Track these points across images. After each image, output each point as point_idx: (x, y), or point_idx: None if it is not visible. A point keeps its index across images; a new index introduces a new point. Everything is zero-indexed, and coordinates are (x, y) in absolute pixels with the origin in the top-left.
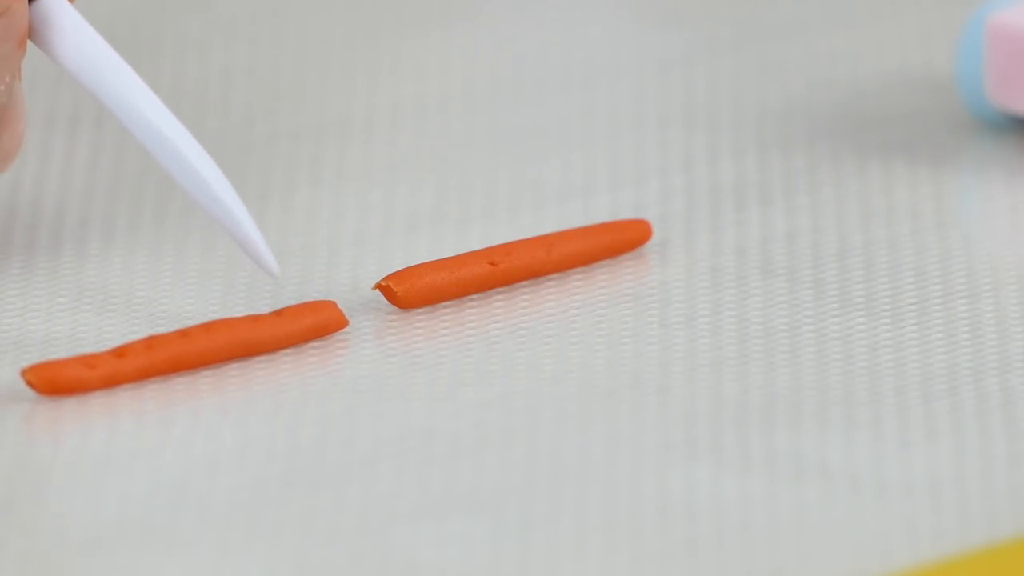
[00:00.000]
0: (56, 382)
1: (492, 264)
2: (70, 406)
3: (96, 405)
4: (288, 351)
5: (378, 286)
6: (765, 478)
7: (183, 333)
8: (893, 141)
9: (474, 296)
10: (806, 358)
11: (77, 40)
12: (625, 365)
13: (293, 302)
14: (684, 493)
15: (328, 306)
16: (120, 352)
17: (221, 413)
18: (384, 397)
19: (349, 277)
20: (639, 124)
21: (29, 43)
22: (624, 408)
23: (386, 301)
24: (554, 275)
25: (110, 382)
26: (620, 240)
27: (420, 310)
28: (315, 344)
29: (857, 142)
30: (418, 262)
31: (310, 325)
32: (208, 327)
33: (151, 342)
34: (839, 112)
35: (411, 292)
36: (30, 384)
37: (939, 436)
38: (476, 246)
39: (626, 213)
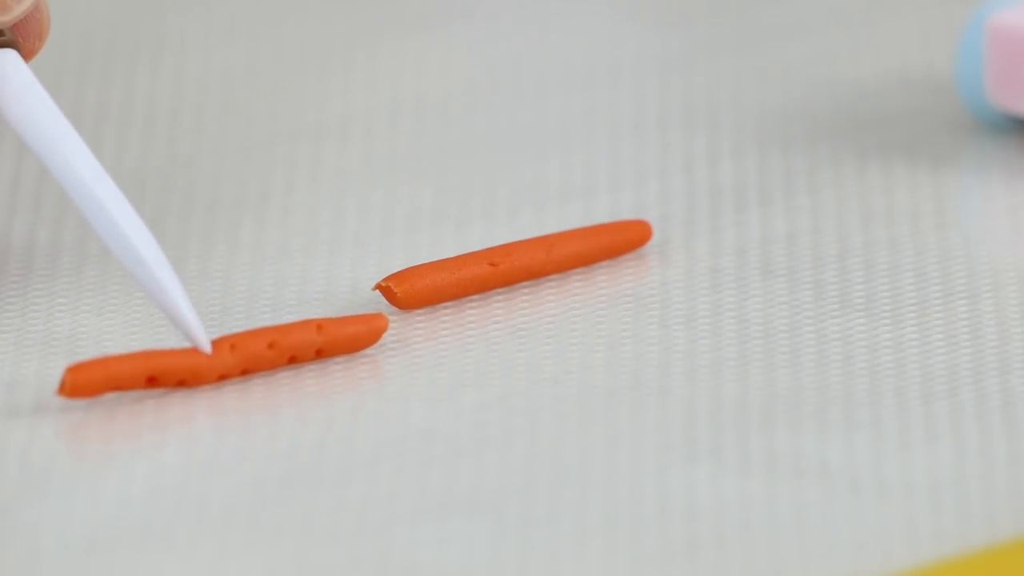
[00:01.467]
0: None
1: (492, 265)
2: (70, 408)
3: (96, 407)
4: None
5: (378, 287)
6: (765, 478)
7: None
8: (893, 141)
9: (474, 297)
10: (806, 359)
11: (25, 99)
12: (625, 366)
13: (293, 303)
14: (684, 494)
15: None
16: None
17: (220, 414)
18: (384, 398)
19: (349, 278)
20: (639, 125)
21: None
22: (624, 409)
23: (386, 302)
24: (554, 276)
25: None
26: (620, 241)
27: (420, 311)
28: None
29: (857, 142)
30: (418, 263)
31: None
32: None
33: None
34: (839, 112)
35: (411, 293)
36: (65, 391)
37: (939, 437)
38: (476, 247)
39: (626, 214)
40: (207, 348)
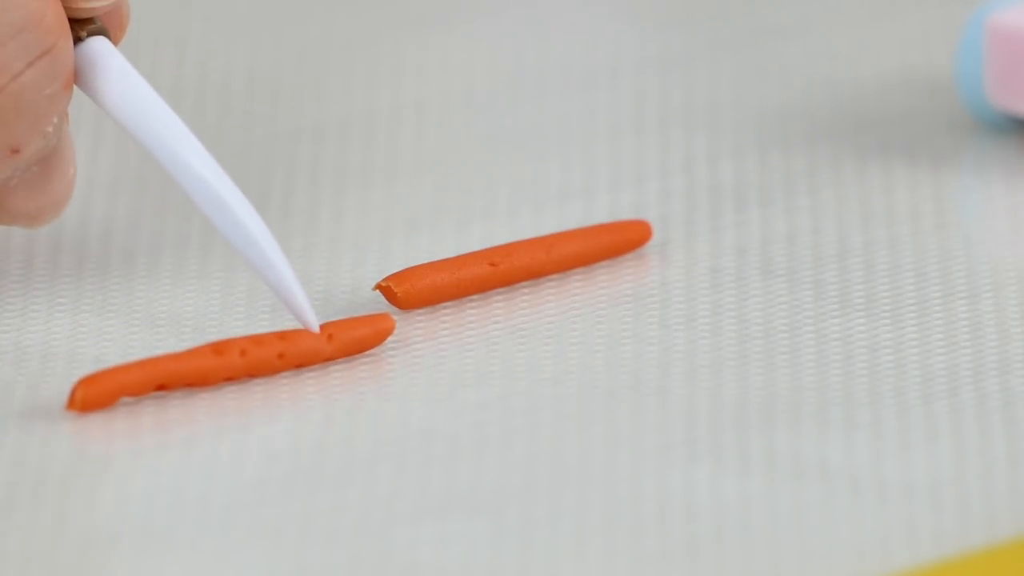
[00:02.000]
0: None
1: (492, 265)
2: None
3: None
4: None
5: (378, 287)
6: (765, 478)
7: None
8: (893, 141)
9: (474, 297)
10: (806, 359)
11: (122, 85)
12: (625, 366)
13: None
14: (684, 494)
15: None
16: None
17: (220, 414)
18: (384, 398)
19: (349, 278)
20: (639, 124)
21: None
22: (624, 409)
23: (386, 302)
24: (554, 276)
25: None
26: (620, 241)
27: (420, 311)
28: None
29: (857, 143)
30: (418, 263)
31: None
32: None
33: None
34: (839, 112)
35: (411, 293)
36: (75, 406)
37: (939, 437)
38: (476, 247)
39: (626, 214)
40: (315, 328)
